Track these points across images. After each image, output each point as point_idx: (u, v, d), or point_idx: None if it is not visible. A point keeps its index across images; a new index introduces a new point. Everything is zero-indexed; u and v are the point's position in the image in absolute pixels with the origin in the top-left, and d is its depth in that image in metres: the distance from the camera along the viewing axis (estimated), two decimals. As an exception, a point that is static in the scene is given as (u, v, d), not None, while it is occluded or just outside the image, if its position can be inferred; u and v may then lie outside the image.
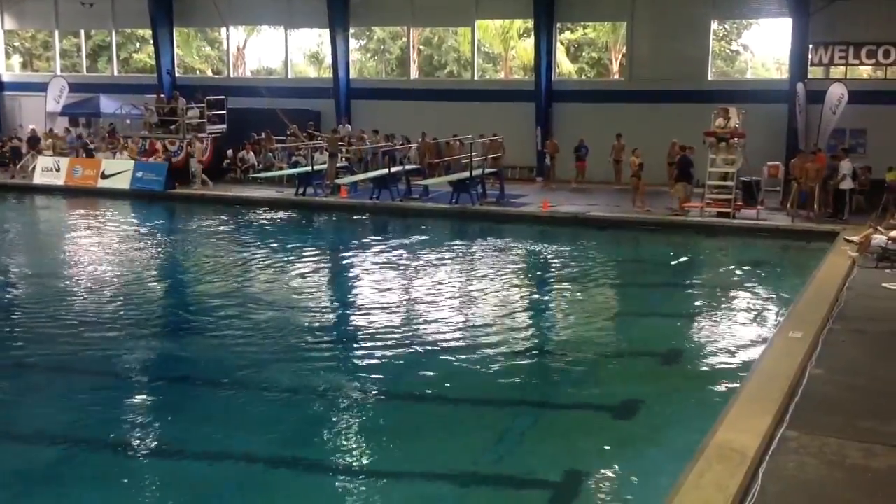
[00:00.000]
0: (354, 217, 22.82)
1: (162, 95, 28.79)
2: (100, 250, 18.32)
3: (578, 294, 14.71)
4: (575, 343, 11.62)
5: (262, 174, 26.50)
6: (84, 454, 8.08)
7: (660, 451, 7.80)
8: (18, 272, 16.60)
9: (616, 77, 32.83)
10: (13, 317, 12.91)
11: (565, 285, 15.46)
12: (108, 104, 31.76)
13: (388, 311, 13.19)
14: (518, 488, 7.40)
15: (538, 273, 16.69)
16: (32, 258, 18.26)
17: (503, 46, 34.67)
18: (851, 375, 8.51)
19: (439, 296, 14.26)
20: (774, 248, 18.71)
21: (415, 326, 12.30)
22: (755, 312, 13.22)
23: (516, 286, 15.40)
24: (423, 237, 19.88)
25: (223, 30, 34.11)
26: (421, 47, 35.92)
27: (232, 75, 34.43)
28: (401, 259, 17.34)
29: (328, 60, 32.22)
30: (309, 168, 24.80)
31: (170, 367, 10.60)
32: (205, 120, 26.95)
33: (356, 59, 34.42)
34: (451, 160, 25.44)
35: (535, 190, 25.40)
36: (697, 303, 14.09)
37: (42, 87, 32.41)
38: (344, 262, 17.63)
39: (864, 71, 26.65)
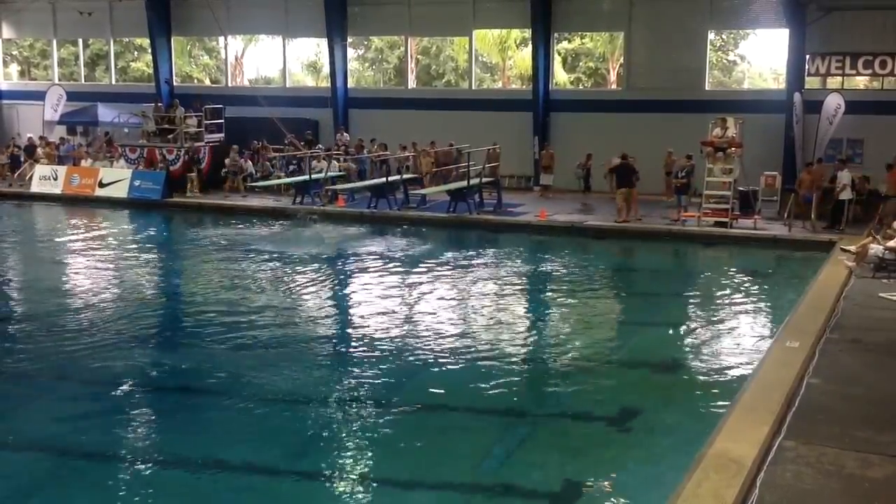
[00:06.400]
0: (352, 226, 22.81)
1: (160, 104, 28.79)
2: (97, 259, 18.31)
3: (575, 303, 14.71)
4: (572, 352, 11.62)
5: (261, 183, 26.50)
6: (82, 464, 8.08)
7: (657, 460, 7.82)
8: (15, 281, 16.58)
9: (613, 87, 32.88)
10: (10, 326, 12.89)
11: (562, 294, 15.47)
12: (105, 113, 31.75)
13: (385, 320, 13.19)
14: (516, 498, 7.40)
15: (535, 282, 16.68)
16: (28, 267, 18.25)
17: (501, 56, 34.74)
18: (848, 385, 8.51)
19: (436, 305, 14.28)
20: (771, 257, 18.74)
21: (412, 336, 12.31)
22: (752, 322, 13.26)
23: (513, 295, 15.42)
24: (421, 246, 19.88)
25: (221, 39, 34.15)
26: (419, 57, 35.97)
27: (230, 84, 34.46)
28: (398, 268, 17.33)
29: (326, 70, 32.26)
30: (307, 177, 24.81)
31: (168, 377, 10.62)
32: (202, 129, 26.99)
33: (354, 69, 34.45)
34: (444, 170, 25.45)
35: (533, 199, 25.40)
36: (695, 312, 14.09)
37: (40, 96, 32.34)
38: (341, 271, 17.61)
39: (861, 81, 26.71)
